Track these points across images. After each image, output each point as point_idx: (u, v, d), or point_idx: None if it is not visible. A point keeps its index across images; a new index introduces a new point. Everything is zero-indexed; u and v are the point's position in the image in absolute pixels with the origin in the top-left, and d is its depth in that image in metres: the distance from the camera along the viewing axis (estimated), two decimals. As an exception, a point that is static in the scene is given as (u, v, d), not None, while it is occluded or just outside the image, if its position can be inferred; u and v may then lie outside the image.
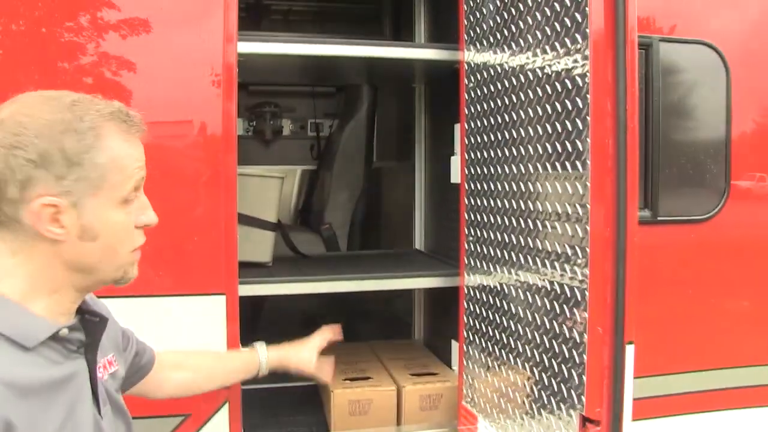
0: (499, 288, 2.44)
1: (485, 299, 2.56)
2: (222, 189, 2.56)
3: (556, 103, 2.01)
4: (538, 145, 2.12)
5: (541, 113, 2.10)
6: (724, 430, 2.83)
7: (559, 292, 2.03)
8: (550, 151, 2.05)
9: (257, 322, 4.41)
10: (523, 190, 2.23)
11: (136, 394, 1.93)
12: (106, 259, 1.37)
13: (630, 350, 1.87)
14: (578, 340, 1.94)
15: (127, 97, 2.44)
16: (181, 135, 2.53)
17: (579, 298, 1.93)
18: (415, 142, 3.93)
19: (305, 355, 2.44)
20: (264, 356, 2.31)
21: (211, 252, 2.58)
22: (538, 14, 2.12)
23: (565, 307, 2.00)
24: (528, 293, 2.22)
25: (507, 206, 2.34)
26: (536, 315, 2.17)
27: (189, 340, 2.54)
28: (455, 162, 2.90)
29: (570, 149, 1.94)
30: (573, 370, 1.96)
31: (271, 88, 5.34)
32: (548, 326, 2.10)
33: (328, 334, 2.62)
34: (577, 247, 1.93)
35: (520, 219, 2.26)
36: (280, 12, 5.25)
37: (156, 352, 1.92)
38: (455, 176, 2.90)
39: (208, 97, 2.52)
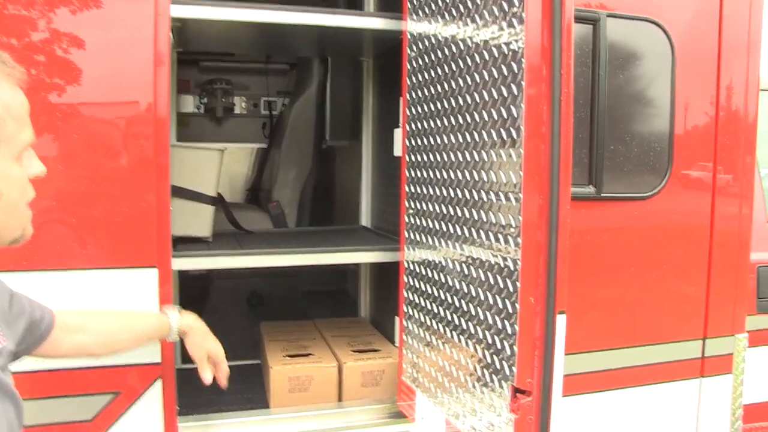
0: (437, 261, 2.40)
1: (424, 273, 2.51)
2: (154, 160, 2.47)
3: (493, 69, 1.97)
4: (475, 113, 2.08)
5: (478, 80, 2.06)
6: (656, 403, 2.85)
7: (493, 263, 1.99)
8: (486, 118, 2.01)
9: (203, 300, 4.33)
10: (461, 159, 2.18)
11: (29, 356, 1.83)
12: (9, 218, 1.29)
13: (561, 320, 1.85)
14: (510, 311, 1.90)
15: (53, 66, 2.34)
16: (110, 104, 2.43)
17: (512, 269, 1.89)
18: (363, 118, 3.86)
19: (211, 344, 2.35)
20: (176, 322, 2.21)
21: (141, 224, 2.49)
22: (476, -21, 2.07)
23: (498, 278, 1.96)
24: (464, 265, 2.18)
25: (445, 177, 2.30)
26: (472, 287, 2.13)
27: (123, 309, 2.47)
28: (397, 134, 2.84)
29: (505, 116, 1.90)
30: (505, 341, 1.93)
31: (223, 64, 5.24)
32: (482, 298, 2.06)
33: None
34: (511, 217, 1.89)
35: (458, 190, 2.21)
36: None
37: (55, 313, 1.83)
38: (397, 149, 2.84)
39: (138, 64, 2.42)
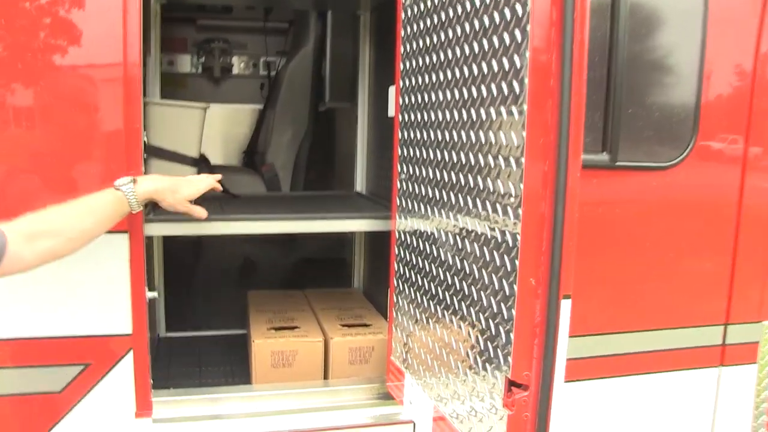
0: (429, 232, 2.16)
1: (416, 245, 2.28)
2: (124, 120, 2.24)
3: (494, 14, 1.70)
4: (474, 65, 1.82)
5: (477, 27, 1.79)
6: (668, 393, 2.62)
7: (489, 236, 1.75)
8: (486, 71, 1.75)
9: (193, 265, 4.13)
10: (457, 118, 1.93)
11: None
12: None
13: (566, 306, 1.60)
14: (507, 293, 1.66)
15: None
16: (75, 60, 2.20)
17: (511, 244, 1.65)
18: (359, 78, 3.60)
19: (185, 192, 2.29)
20: (131, 193, 2.09)
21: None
22: None
23: (495, 254, 1.72)
24: (459, 238, 1.94)
25: (440, 138, 2.05)
26: (466, 263, 1.89)
27: (89, 280, 2.29)
28: (392, 92, 2.58)
29: (507, 67, 1.64)
30: (501, 327, 1.69)
31: (220, 23, 4.97)
32: (477, 276, 1.82)
33: (214, 182, 2.45)
34: (512, 185, 1.64)
35: (453, 152, 1.96)
36: None
37: (6, 231, 1.75)
38: (392, 108, 2.59)
39: (105, 13, 2.18)
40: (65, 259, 2.23)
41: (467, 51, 1.85)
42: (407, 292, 2.37)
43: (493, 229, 1.73)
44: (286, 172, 4.46)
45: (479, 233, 1.80)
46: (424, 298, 2.21)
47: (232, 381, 2.88)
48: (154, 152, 2.84)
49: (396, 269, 2.48)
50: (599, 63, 2.35)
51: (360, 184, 3.65)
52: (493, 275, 1.73)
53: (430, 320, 2.17)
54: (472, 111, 1.82)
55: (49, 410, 2.34)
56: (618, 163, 2.41)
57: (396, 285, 2.49)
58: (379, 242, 3.22)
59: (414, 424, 2.44)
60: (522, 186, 1.59)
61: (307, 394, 2.67)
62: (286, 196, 3.91)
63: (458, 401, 1.94)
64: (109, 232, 2.28)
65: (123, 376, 2.38)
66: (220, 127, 4.99)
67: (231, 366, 3.04)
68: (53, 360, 2.32)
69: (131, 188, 2.08)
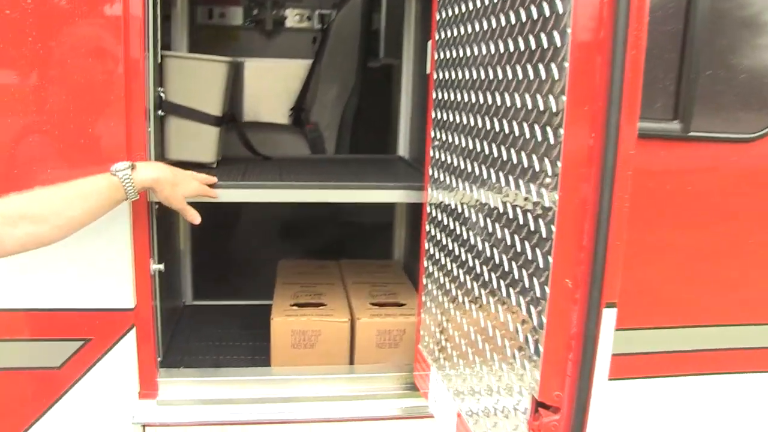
0: (459, 211, 1.86)
1: (446, 223, 1.98)
2: (123, 75, 2.02)
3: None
4: (511, 13, 1.48)
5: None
6: (735, 397, 2.29)
7: (521, 223, 1.44)
8: (524, 18, 1.42)
9: (224, 230, 3.92)
10: (491, 77, 1.60)
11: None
12: None
13: (610, 316, 1.29)
14: (538, 294, 1.35)
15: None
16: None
17: (544, 235, 1.33)
18: (404, 33, 3.27)
19: (185, 189, 2.14)
20: (128, 180, 1.93)
21: (111, 146, 2.06)
22: None
23: (526, 245, 1.41)
24: (488, 221, 1.63)
25: (474, 100, 1.73)
26: (495, 252, 1.59)
27: (89, 249, 2.11)
28: (429, 47, 2.26)
29: (548, 12, 1.31)
30: (530, 335, 1.39)
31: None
32: (506, 269, 1.52)
33: (204, 189, 2.24)
34: (547, 161, 1.32)
35: (486, 117, 1.64)
36: None
37: None
38: (428, 64, 2.27)
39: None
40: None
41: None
42: (436, 276, 2.09)
43: (524, 214, 1.41)
44: (331, 132, 4.19)
45: (510, 218, 1.49)
46: (452, 285, 1.92)
47: (252, 360, 2.65)
48: (171, 109, 2.60)
49: (426, 249, 2.20)
50: (674, 15, 1.98)
51: (403, 148, 3.35)
52: (524, 271, 1.42)
53: (456, 311, 1.88)
54: (507, 68, 1.50)
55: (48, 386, 2.19)
56: (691, 133, 2.07)
57: (426, 268, 2.20)
58: (419, 212, 2.94)
59: (438, 420, 2.18)
60: (560, 164, 1.26)
61: (328, 381, 2.43)
62: (322, 159, 3.63)
63: (487, 396, 1.66)
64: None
65: (126, 353, 2.21)
66: (270, 83, 4.75)
67: (254, 341, 2.82)
68: (51, 333, 2.18)
69: (128, 174, 1.92)
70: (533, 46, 1.36)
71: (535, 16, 1.35)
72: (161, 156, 2.59)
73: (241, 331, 2.96)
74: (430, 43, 2.26)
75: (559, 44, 1.26)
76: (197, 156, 2.71)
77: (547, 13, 1.30)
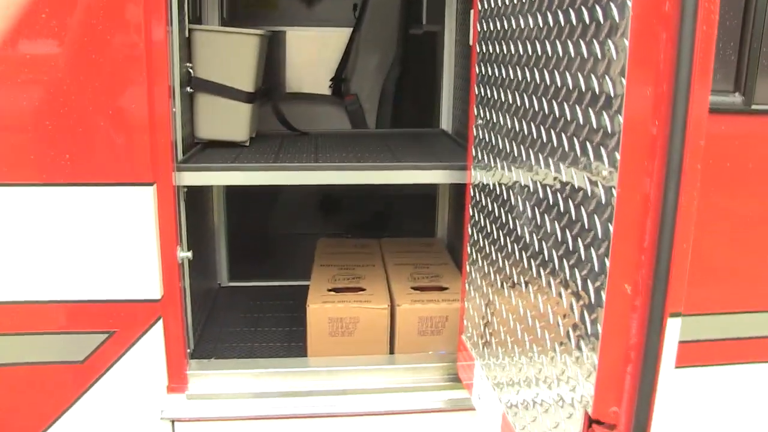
0: (505, 196, 1.71)
1: (491, 208, 1.84)
2: (144, 48, 1.90)
3: None
4: None
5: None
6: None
7: (573, 217, 1.29)
8: None
9: (262, 207, 3.83)
10: (540, 52, 1.44)
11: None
12: None
13: (674, 326, 1.14)
14: (592, 299, 1.21)
15: None
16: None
17: (600, 235, 1.18)
18: (446, 7, 3.09)
19: None
20: None
21: (133, 127, 1.95)
22: None
23: (579, 243, 1.26)
24: (536, 210, 1.48)
25: (521, 77, 1.57)
26: (545, 246, 1.44)
27: (113, 238, 2.02)
28: (471, 16, 2.10)
29: None
30: (583, 342, 1.25)
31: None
32: (556, 266, 1.37)
33: None
34: (602, 149, 1.16)
35: (534, 97, 1.49)
36: None
37: None
38: (471, 35, 2.11)
39: None
40: (85, 214, 1.97)
41: None
42: (480, 264, 1.95)
43: (578, 209, 1.26)
44: (371, 104, 4.05)
45: (561, 211, 1.34)
46: (497, 276, 1.78)
47: (288, 347, 2.56)
48: (201, 86, 2.49)
49: (470, 235, 2.06)
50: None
51: (446, 122, 3.19)
52: (576, 270, 1.27)
53: (502, 305, 1.74)
54: (557, 43, 1.34)
55: (71, 381, 2.12)
56: (754, 107, 1.90)
57: (470, 254, 2.07)
58: (463, 190, 2.80)
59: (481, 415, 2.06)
60: (618, 155, 1.11)
61: (368, 372, 2.32)
62: (361, 133, 3.49)
63: (533, 389, 1.53)
64: (133, 183, 1.99)
65: (153, 346, 2.13)
66: (309, 52, 4.64)
67: (291, 326, 2.74)
68: (73, 326, 2.10)
69: None
70: (587, 20, 1.20)
71: None
72: (191, 134, 2.50)
73: (278, 315, 2.87)
74: (472, 12, 2.10)
75: (617, 18, 1.09)
76: (228, 134, 2.61)
77: None
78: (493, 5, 1.77)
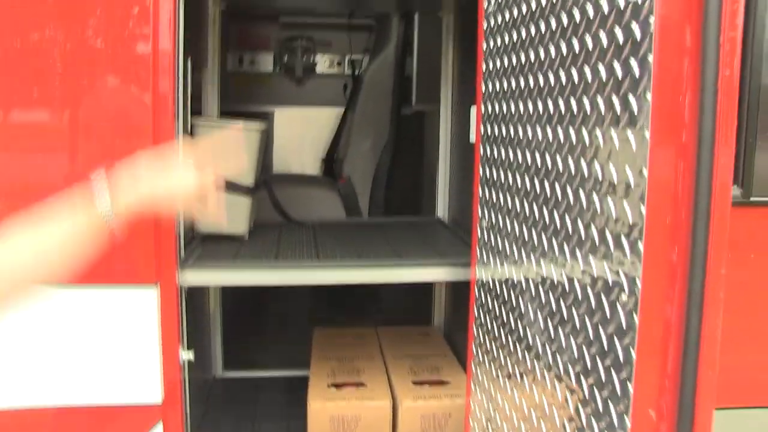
0: (513, 302, 1.71)
1: (497, 311, 1.83)
2: (151, 138, 1.91)
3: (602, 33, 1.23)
4: (572, 70, 1.33)
5: (578, 19, 1.32)
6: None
7: (591, 335, 1.28)
8: (589, 77, 1.26)
9: (257, 294, 3.78)
10: (550, 138, 1.46)
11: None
12: None
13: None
14: (616, 424, 1.19)
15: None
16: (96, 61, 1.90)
17: (621, 357, 1.17)
18: (441, 86, 3.15)
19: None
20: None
21: (135, 224, 1.93)
22: None
23: (599, 363, 1.25)
24: (549, 322, 1.48)
25: (529, 162, 1.59)
26: (558, 358, 1.43)
27: (112, 340, 1.97)
28: (473, 115, 2.13)
29: (620, 74, 1.15)
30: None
31: (303, 20, 4.68)
32: (573, 383, 1.36)
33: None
34: (623, 238, 1.16)
35: (545, 182, 1.50)
36: None
37: None
38: (472, 134, 2.14)
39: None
40: (82, 313, 1.94)
41: (564, 50, 1.37)
42: (487, 367, 1.93)
43: (596, 329, 1.26)
44: (364, 187, 4.08)
45: (576, 327, 1.34)
46: (507, 381, 1.76)
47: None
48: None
49: (475, 336, 2.04)
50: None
51: (442, 208, 3.20)
52: (596, 390, 1.26)
53: (513, 412, 1.72)
54: (571, 130, 1.35)
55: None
56: (754, 199, 1.86)
57: (475, 354, 2.05)
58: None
59: None
60: (642, 247, 1.10)
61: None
62: (357, 224, 3.48)
63: None
64: (136, 285, 1.96)
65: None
66: (300, 131, 4.70)
67: (288, 421, 2.68)
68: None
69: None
70: (602, 108, 1.22)
71: (604, 75, 1.21)
72: (191, 227, 2.49)
73: (277, 408, 2.82)
74: (474, 109, 2.14)
75: (635, 108, 1.10)
76: (229, 228, 2.60)
77: (620, 74, 1.15)
78: (497, 109, 1.80)
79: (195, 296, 2.67)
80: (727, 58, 1.05)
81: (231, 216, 2.58)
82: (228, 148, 2.53)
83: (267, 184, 2.93)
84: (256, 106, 4.51)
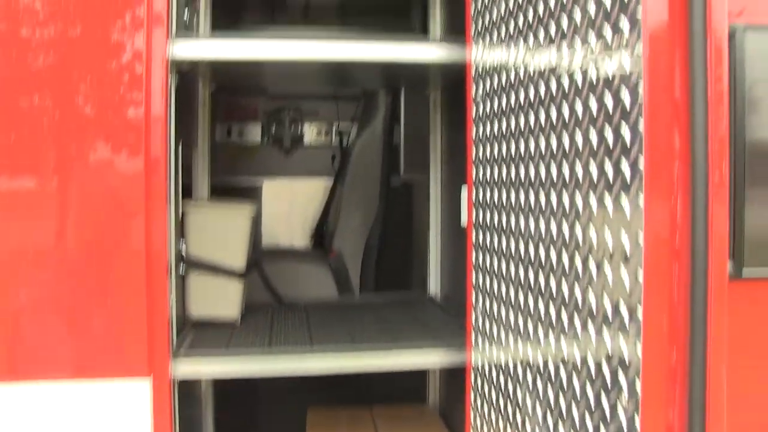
0: (510, 391, 1.69)
1: (496, 380, 1.81)
2: (146, 222, 1.92)
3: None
4: (564, 134, 1.34)
5: (566, 86, 1.34)
6: None
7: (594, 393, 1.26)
8: (580, 143, 1.27)
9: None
10: (543, 204, 1.46)
11: None
12: None
13: None
14: None
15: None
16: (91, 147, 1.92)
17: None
18: (430, 161, 3.18)
19: None
20: None
21: (127, 314, 1.92)
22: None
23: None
24: (547, 409, 1.46)
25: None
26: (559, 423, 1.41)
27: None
28: (464, 196, 2.15)
29: (611, 140, 1.16)
30: None
31: (291, 90, 4.73)
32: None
33: None
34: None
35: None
36: (297, 5, 4.56)
37: None
38: (464, 217, 2.15)
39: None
40: (73, 413, 1.90)
41: (554, 116, 1.39)
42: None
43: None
44: (355, 262, 4.05)
45: (576, 423, 1.32)
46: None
47: None
48: (193, 265, 2.49)
49: (472, 423, 2.01)
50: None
51: (434, 285, 3.19)
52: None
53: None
54: (564, 195, 1.35)
55: None
56: (745, 274, 1.86)
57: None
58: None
59: None
60: (641, 318, 1.09)
61: None
62: (347, 304, 3.44)
63: None
64: (127, 377, 1.93)
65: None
66: (288, 203, 4.68)
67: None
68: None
69: None
70: (594, 174, 1.21)
71: (595, 141, 1.21)
72: (182, 313, 2.46)
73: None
74: (465, 190, 2.15)
75: (628, 175, 1.11)
76: (220, 312, 2.58)
77: (611, 140, 1.16)
78: (488, 198, 1.81)
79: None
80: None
81: (222, 301, 2.58)
82: (218, 229, 2.54)
83: (258, 264, 2.92)
84: (245, 179, 4.50)
